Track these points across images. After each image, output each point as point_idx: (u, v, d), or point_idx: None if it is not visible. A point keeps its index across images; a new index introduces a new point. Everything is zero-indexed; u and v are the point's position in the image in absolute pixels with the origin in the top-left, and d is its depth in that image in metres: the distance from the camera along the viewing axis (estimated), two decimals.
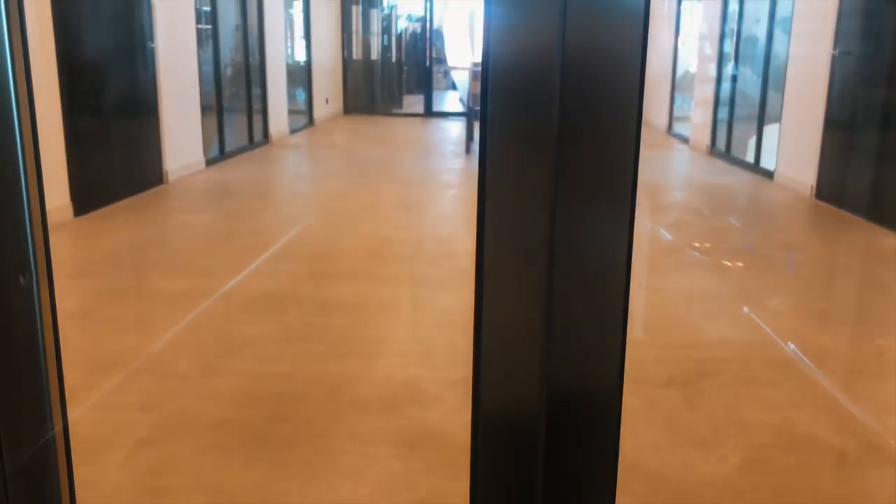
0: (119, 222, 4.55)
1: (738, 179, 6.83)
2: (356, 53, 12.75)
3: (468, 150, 8.14)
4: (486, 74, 0.91)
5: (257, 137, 8.17)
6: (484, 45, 1.00)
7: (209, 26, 6.79)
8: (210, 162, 6.65)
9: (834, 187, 5.56)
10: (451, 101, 14.38)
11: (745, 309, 3.18)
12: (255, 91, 8.20)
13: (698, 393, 2.41)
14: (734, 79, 8.17)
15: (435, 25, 14.85)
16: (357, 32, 12.59)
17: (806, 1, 6.27)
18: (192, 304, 3.10)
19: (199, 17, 6.44)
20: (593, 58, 0.90)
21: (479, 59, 11.44)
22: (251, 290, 3.32)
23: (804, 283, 3.63)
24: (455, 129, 10.43)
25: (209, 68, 6.82)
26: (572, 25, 0.90)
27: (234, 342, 2.74)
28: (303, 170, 7.03)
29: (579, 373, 0.92)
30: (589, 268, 0.86)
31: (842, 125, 5.59)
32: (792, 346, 2.76)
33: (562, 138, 0.86)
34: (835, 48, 5.61)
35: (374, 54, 13.12)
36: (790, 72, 6.48)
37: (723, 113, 8.32)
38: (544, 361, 0.87)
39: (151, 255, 3.84)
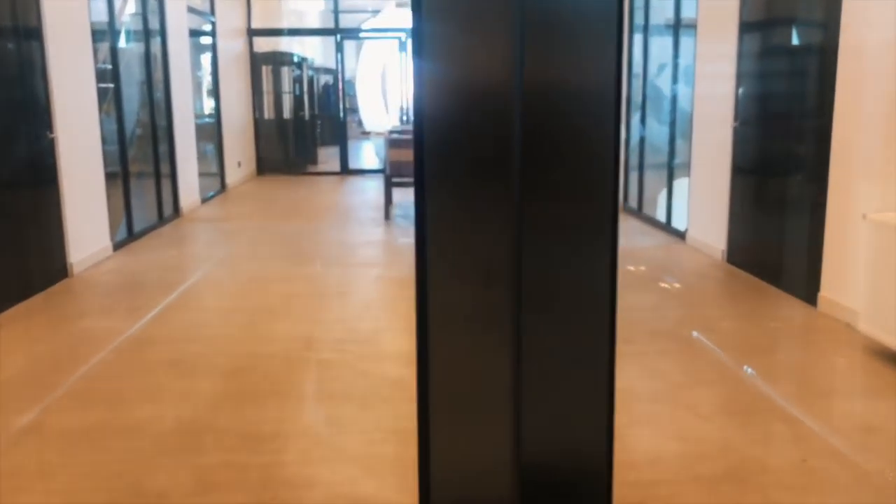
0: (18, 332, 4.26)
1: (652, 243, 6.98)
2: (268, 112, 12.57)
3: (387, 215, 8.08)
4: (421, 138, 0.82)
5: (167, 211, 7.89)
6: (417, 105, 0.90)
7: (111, 85, 6.53)
8: (118, 245, 6.36)
9: (744, 252, 5.75)
10: (367, 154, 14.33)
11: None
12: (164, 159, 7.94)
13: None
14: (642, 131, 8.38)
15: (347, 76, 14.83)
16: (268, 91, 12.43)
17: (710, 64, 6.50)
18: (98, 446, 2.90)
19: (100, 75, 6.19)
20: (556, 95, 0.83)
21: (394, 123, 11.52)
22: (165, 422, 3.13)
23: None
24: (372, 190, 10.37)
25: (112, 134, 6.55)
26: (532, 62, 0.82)
27: (146, 498, 2.56)
28: (215, 251, 6.81)
29: (559, 447, 0.79)
30: (565, 314, 0.76)
31: (745, 192, 5.80)
32: None
33: (525, 189, 0.76)
34: (735, 120, 5.84)
35: (287, 112, 12.97)
36: (696, 138, 6.70)
37: (634, 169, 8.53)
38: (515, 435, 0.74)
39: (56, 378, 3.59)
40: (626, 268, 6.01)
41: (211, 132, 10.14)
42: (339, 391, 3.46)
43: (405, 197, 8.72)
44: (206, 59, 10.30)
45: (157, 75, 7.86)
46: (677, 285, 5.45)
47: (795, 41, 5.29)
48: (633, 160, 8.52)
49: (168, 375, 3.65)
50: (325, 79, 16.28)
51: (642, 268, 5.97)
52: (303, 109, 13.72)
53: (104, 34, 6.42)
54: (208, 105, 10.33)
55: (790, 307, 4.79)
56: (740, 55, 5.74)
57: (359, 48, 15.83)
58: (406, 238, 7.08)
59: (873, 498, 2.56)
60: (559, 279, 0.82)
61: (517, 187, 0.83)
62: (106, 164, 6.21)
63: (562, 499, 0.79)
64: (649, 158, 8.15)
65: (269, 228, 7.79)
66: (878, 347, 3.86)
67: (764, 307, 4.87)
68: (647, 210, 8.06)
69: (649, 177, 8.12)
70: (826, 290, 4.58)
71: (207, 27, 10.11)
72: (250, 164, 12.01)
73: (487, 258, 0.79)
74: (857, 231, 4.19)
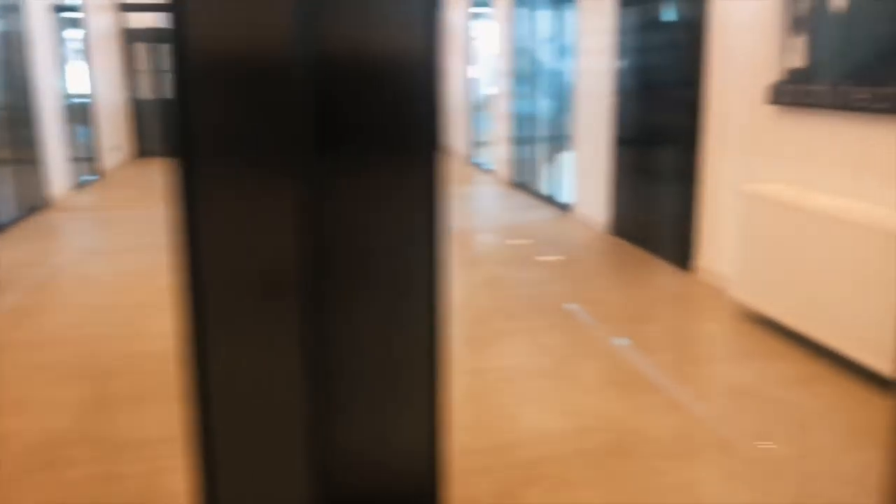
0: None
1: (539, 217, 7.09)
2: (147, 92, 11.95)
3: None
4: (187, 121, 0.66)
5: (32, 201, 7.39)
6: (178, 79, 0.73)
7: None
8: None
9: (626, 223, 5.92)
10: None
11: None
12: (27, 144, 7.42)
13: None
14: (527, 106, 8.46)
15: None
16: (147, 70, 11.80)
17: (590, 38, 6.60)
18: None
19: None
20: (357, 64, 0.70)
21: None
22: (30, 435, 2.93)
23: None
24: None
25: None
26: (326, 27, 0.69)
27: None
28: (88, 243, 6.44)
29: (377, 473, 0.69)
30: (379, 315, 0.65)
31: (626, 164, 5.96)
32: None
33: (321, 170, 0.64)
34: (615, 93, 5.97)
35: (169, 92, 12.37)
36: (578, 111, 6.82)
37: (522, 143, 8.62)
38: (314, 459, 0.63)
39: None
40: (511, 242, 6.08)
41: (83, 114, 9.56)
42: None
43: None
44: (74, 35, 9.66)
45: (18, 54, 7.31)
46: (562, 258, 5.55)
47: (670, 15, 5.43)
48: (520, 133, 8.61)
49: (33, 383, 3.42)
50: None
51: (528, 242, 6.06)
52: None
53: None
54: (80, 85, 9.71)
55: (668, 276, 4.97)
56: (619, 29, 5.86)
57: None
58: None
59: (743, 466, 2.69)
60: (369, 276, 0.73)
61: (306, 175, 0.72)
62: None
63: None
64: (536, 132, 8.25)
65: (148, 216, 7.43)
66: (747, 312, 4.05)
67: (644, 277, 5.03)
68: (535, 184, 8.18)
69: (536, 151, 8.23)
70: (701, 259, 4.78)
71: (77, 1, 9.48)
72: (129, 148, 11.42)
73: (271, 260, 0.68)
74: (729, 201, 4.37)
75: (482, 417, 3.04)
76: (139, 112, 11.70)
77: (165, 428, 2.95)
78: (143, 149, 11.75)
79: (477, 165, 10.58)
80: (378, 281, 0.73)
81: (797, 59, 3.75)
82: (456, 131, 11.86)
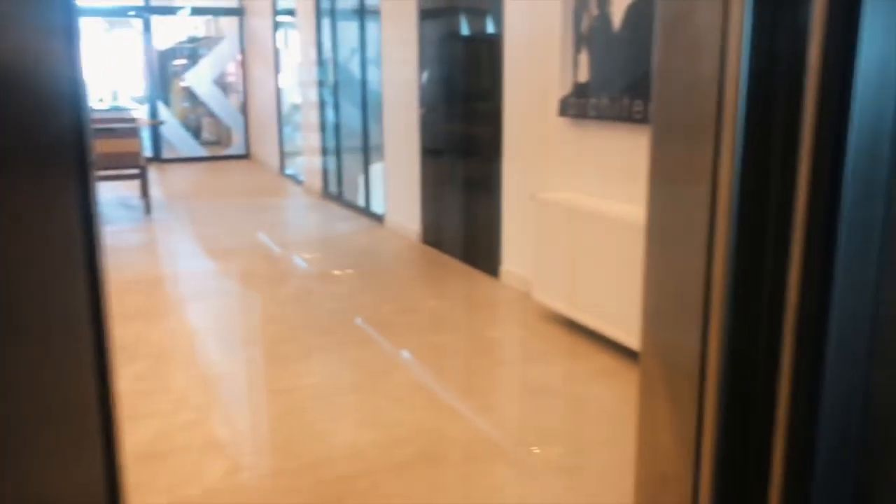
0: None
1: (352, 228, 7.07)
2: None
3: (148, 210, 7.47)
4: None
5: None
6: None
7: None
8: None
9: (437, 232, 6.05)
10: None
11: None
12: None
13: None
14: (337, 116, 8.42)
15: None
16: None
17: (395, 49, 6.67)
18: None
19: None
20: None
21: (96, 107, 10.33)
22: None
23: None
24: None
25: None
26: None
27: None
28: None
29: None
30: (28, 356, 0.58)
31: (434, 174, 6.09)
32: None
33: None
34: (421, 104, 6.08)
35: None
36: (386, 122, 6.87)
37: (332, 154, 8.56)
38: None
39: None
40: (323, 255, 6.02)
41: None
42: None
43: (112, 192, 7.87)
44: None
45: None
46: (374, 270, 5.57)
47: (468, 29, 5.62)
48: (330, 144, 8.55)
49: None
50: None
51: (340, 254, 6.02)
52: None
53: None
54: None
55: (478, 283, 5.12)
56: (422, 41, 5.98)
57: None
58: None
59: (543, 465, 2.81)
60: (9, 317, 0.65)
61: None
62: None
63: None
64: (346, 142, 8.23)
65: None
66: (549, 314, 4.26)
67: (454, 285, 5.15)
68: (347, 195, 8.15)
69: (348, 161, 8.21)
70: (507, 264, 4.97)
71: None
72: None
73: None
74: (527, 208, 4.58)
75: (293, 437, 2.96)
76: None
77: None
78: None
79: (289, 177, 10.39)
80: (21, 322, 0.64)
81: (582, 74, 4.01)
82: (266, 142, 11.59)
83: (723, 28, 0.66)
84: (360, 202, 7.72)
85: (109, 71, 14.63)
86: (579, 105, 4.03)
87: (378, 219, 7.14)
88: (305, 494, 2.54)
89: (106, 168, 7.36)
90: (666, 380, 0.76)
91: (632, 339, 3.53)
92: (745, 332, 0.68)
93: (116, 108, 11.98)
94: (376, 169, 7.38)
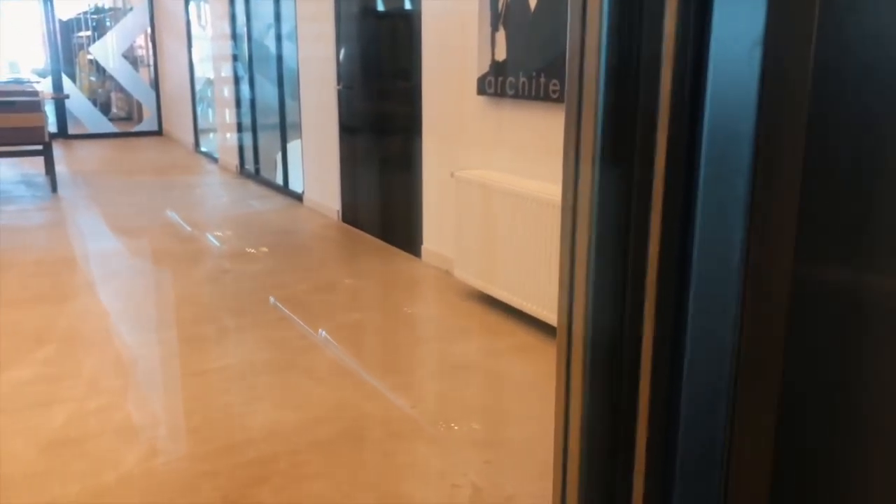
0: None
1: (270, 206, 6.95)
2: None
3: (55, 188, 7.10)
4: None
5: None
6: None
7: None
8: None
9: (357, 211, 6.01)
10: None
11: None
12: None
13: None
14: (253, 92, 8.23)
15: None
16: None
17: (310, 25, 6.55)
18: None
19: None
20: None
21: None
22: None
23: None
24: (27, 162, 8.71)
25: None
26: None
27: None
28: None
29: None
30: None
31: (354, 152, 6.04)
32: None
33: None
34: (338, 81, 6.00)
35: None
36: (303, 99, 6.76)
37: (248, 131, 8.37)
38: None
39: None
40: (239, 234, 5.90)
41: None
42: None
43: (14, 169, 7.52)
44: None
45: None
46: (293, 249, 5.49)
47: (386, 5, 5.56)
48: (246, 121, 8.35)
49: None
50: None
51: (257, 233, 5.91)
52: None
53: None
54: None
55: (399, 262, 5.13)
56: (338, 17, 5.88)
57: None
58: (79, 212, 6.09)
59: (462, 439, 2.85)
60: None
61: None
62: None
63: None
64: (262, 119, 8.05)
65: None
66: (470, 291, 4.31)
67: (374, 264, 5.14)
68: (264, 173, 7.99)
69: (264, 139, 8.04)
70: (428, 243, 4.99)
71: None
72: None
73: None
74: (447, 187, 4.60)
75: (210, 419, 2.91)
76: None
77: None
78: None
79: (204, 154, 10.10)
80: None
81: (500, 53, 4.03)
82: (179, 118, 11.22)
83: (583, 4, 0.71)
84: (278, 180, 7.58)
85: (7, 41, 13.83)
86: (497, 83, 4.06)
87: (297, 197, 7.04)
88: (225, 477, 2.51)
89: (6, 144, 7.00)
90: (566, 351, 0.81)
91: (550, 315, 3.61)
92: (609, 304, 0.74)
93: (17, 81, 11.36)
94: (294, 146, 7.25)
